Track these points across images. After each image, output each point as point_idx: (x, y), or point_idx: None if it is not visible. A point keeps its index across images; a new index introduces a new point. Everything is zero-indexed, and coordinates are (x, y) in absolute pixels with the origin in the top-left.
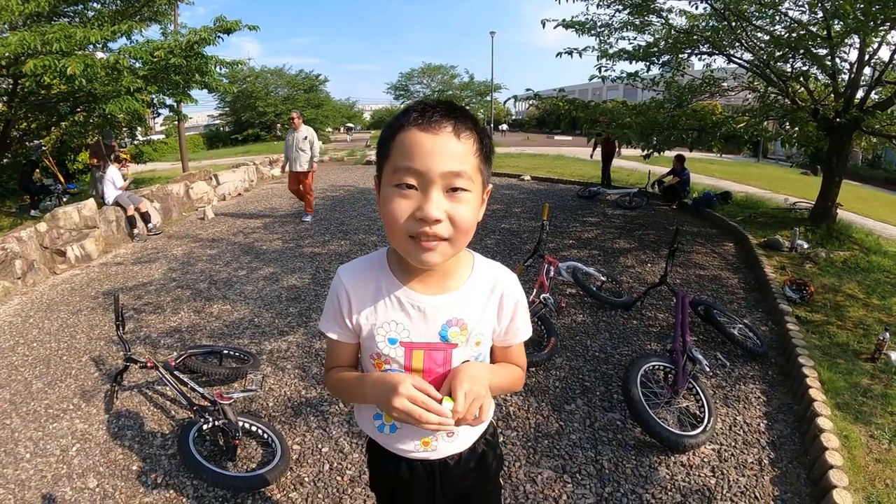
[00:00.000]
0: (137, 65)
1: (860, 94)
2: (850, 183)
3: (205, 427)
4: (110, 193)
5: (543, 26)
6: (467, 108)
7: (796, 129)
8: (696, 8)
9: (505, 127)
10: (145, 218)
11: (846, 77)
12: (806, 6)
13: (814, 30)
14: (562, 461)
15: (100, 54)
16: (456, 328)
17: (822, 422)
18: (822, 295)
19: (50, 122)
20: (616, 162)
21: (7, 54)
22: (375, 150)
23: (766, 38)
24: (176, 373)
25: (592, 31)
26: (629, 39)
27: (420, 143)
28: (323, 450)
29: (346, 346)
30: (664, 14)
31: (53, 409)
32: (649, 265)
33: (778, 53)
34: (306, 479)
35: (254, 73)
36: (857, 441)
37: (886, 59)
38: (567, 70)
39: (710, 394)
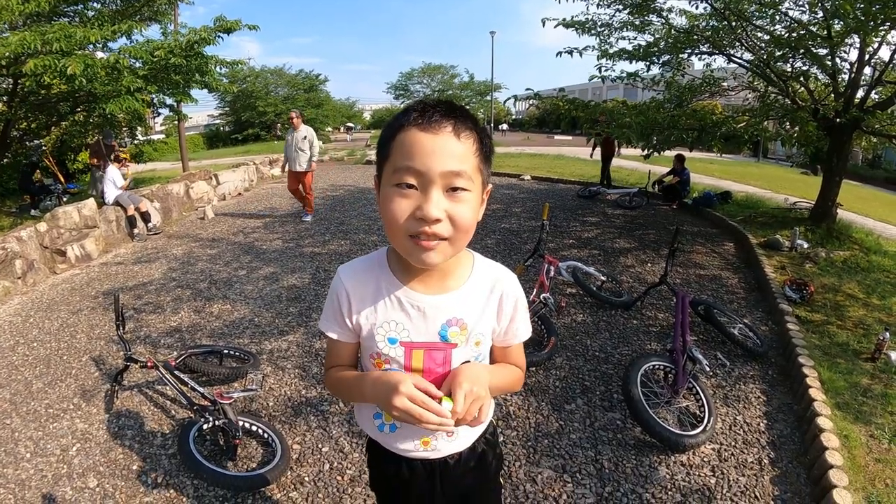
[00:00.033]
0: (137, 64)
1: (860, 93)
2: (851, 183)
3: (205, 427)
4: (110, 193)
5: (543, 25)
6: (467, 107)
7: (796, 128)
8: (697, 8)
9: (505, 127)
10: (145, 218)
11: (846, 77)
12: (806, 6)
13: (814, 30)
14: (562, 461)
15: (100, 54)
16: (456, 328)
17: (822, 421)
18: (822, 295)
19: (50, 121)
20: (616, 162)
21: (7, 54)
22: (375, 150)
23: (767, 37)
24: (176, 372)
25: (592, 31)
26: (629, 39)
27: (420, 142)
28: (323, 449)
29: (346, 345)
30: (664, 14)
31: (54, 408)
32: (649, 265)
33: (778, 53)
34: (306, 478)
35: (254, 73)
36: (857, 441)
37: (886, 58)
38: (567, 70)
39: (710, 393)
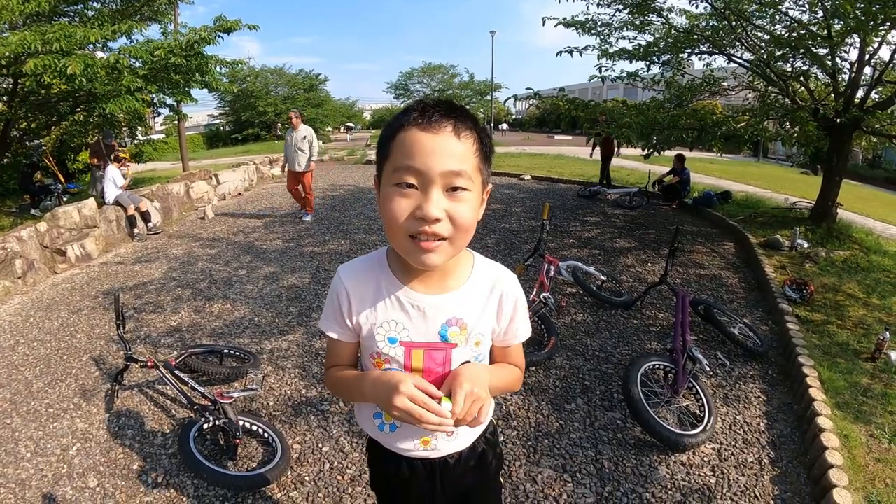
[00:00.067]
0: (137, 64)
1: (860, 93)
2: (851, 182)
3: (205, 426)
4: (110, 193)
5: (544, 24)
6: (467, 107)
7: (796, 128)
8: (697, 7)
9: (505, 126)
10: (145, 217)
11: (846, 76)
12: (806, 6)
13: (814, 29)
14: (562, 460)
15: (100, 54)
16: (455, 328)
17: (822, 421)
18: (822, 294)
19: (50, 121)
20: (616, 161)
21: (7, 54)
22: (375, 150)
23: (767, 37)
24: (176, 372)
25: (593, 31)
26: (629, 39)
27: (420, 142)
28: (323, 449)
29: (346, 345)
30: (664, 13)
31: (54, 408)
32: (649, 264)
33: (778, 53)
34: (307, 478)
35: (254, 73)
36: (856, 440)
37: (887, 58)
38: (567, 69)
39: (710, 393)
